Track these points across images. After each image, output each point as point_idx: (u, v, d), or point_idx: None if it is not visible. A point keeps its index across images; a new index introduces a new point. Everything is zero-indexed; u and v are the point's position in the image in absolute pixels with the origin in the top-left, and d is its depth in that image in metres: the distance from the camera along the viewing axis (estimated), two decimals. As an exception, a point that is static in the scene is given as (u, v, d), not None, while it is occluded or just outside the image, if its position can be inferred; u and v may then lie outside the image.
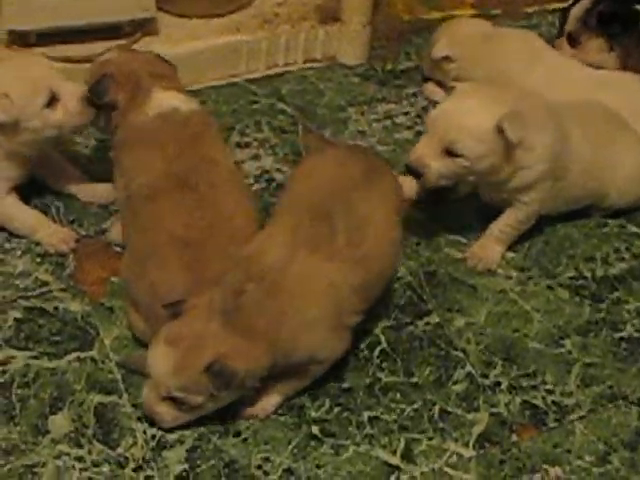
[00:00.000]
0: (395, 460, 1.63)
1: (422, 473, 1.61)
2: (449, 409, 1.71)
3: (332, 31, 2.58)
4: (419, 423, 1.69)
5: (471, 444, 1.66)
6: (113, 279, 1.89)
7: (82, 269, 1.93)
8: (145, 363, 1.58)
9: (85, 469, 1.57)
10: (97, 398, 1.68)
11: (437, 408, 1.71)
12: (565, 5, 2.53)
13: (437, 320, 1.88)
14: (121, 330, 1.79)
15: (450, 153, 1.83)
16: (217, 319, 1.52)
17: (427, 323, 1.87)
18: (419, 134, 1.92)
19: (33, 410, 1.66)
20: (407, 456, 1.63)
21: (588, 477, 1.63)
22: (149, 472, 1.58)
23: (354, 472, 1.60)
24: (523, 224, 2.01)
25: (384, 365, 1.78)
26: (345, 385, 1.74)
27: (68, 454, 1.59)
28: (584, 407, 1.74)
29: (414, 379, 1.76)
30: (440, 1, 2.87)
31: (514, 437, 1.68)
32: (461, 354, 1.82)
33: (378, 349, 1.81)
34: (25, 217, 1.98)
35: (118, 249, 1.94)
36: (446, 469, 1.62)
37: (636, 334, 1.89)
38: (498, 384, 1.77)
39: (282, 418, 1.67)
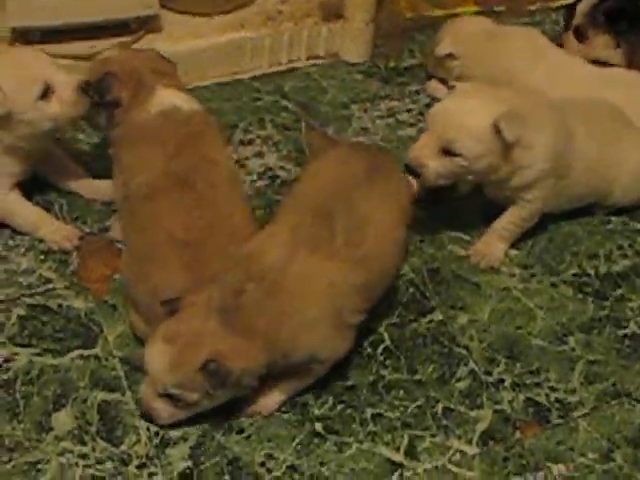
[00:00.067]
0: (398, 457, 1.63)
1: (425, 470, 1.61)
2: (452, 406, 1.71)
3: (335, 28, 2.58)
4: (422, 420, 1.69)
5: (474, 441, 1.66)
6: (116, 276, 1.89)
7: (85, 266, 1.93)
8: None
9: (89, 466, 1.58)
10: (100, 395, 1.68)
11: (440, 405, 1.71)
12: (572, 1, 2.53)
13: (440, 317, 1.88)
14: (124, 327, 1.79)
15: (448, 152, 1.83)
16: (215, 317, 1.52)
17: (430, 320, 1.87)
18: (422, 131, 1.92)
19: (37, 407, 1.66)
20: (410, 453, 1.63)
21: (591, 474, 1.63)
22: (153, 469, 1.58)
23: (357, 469, 1.60)
24: (526, 222, 2.01)
25: (387, 362, 1.78)
26: (348, 382, 1.74)
27: (71, 451, 1.60)
28: (587, 404, 1.74)
29: (417, 376, 1.76)
30: (443, -2, 2.88)
31: (517, 434, 1.68)
32: (464, 351, 1.82)
33: (381, 346, 1.81)
34: (29, 214, 1.98)
35: (121, 246, 1.93)
36: (449, 466, 1.62)
37: (639, 331, 1.89)
38: (501, 381, 1.77)
39: (285, 415, 1.67)
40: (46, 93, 1.86)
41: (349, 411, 1.69)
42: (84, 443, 1.61)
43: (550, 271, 2.01)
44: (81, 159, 2.14)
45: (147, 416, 1.62)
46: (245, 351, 1.52)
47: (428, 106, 2.42)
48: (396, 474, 1.60)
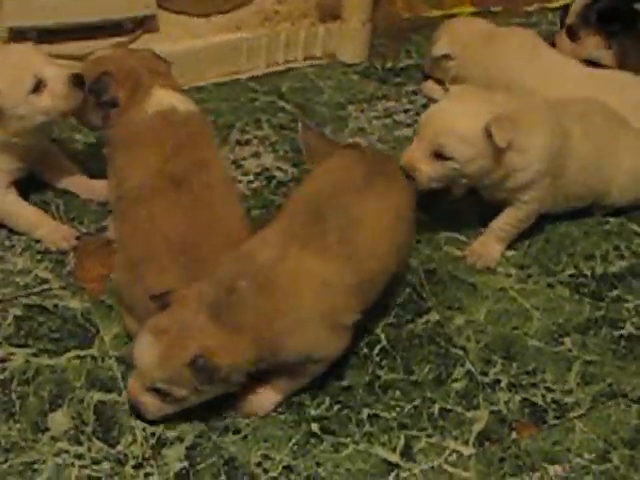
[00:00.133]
0: (394, 458, 1.63)
1: (421, 471, 1.61)
2: (449, 407, 1.72)
3: (332, 29, 2.58)
4: (419, 421, 1.69)
5: (471, 442, 1.66)
6: (113, 276, 1.88)
7: (82, 266, 1.93)
8: None
9: (85, 466, 1.57)
10: (97, 395, 1.68)
11: (437, 406, 1.72)
12: (568, 1, 2.53)
13: (437, 318, 1.88)
14: (121, 328, 1.78)
15: (440, 156, 1.83)
16: (205, 312, 1.52)
17: (427, 321, 1.88)
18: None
19: (33, 407, 1.66)
20: (406, 454, 1.63)
21: (588, 475, 1.63)
22: (149, 469, 1.58)
23: (354, 470, 1.60)
24: (523, 222, 2.01)
25: (384, 363, 1.79)
26: (345, 383, 1.74)
27: (68, 451, 1.59)
28: (584, 405, 1.74)
29: (414, 377, 1.76)
30: (440, -1, 2.88)
31: (514, 435, 1.68)
32: (461, 352, 1.82)
33: (378, 347, 1.81)
34: (26, 214, 1.98)
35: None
36: (446, 467, 1.62)
37: (636, 332, 1.89)
38: (498, 382, 1.77)
39: (282, 416, 1.67)
40: (38, 87, 1.85)
41: (345, 411, 1.69)
42: (80, 443, 1.61)
43: (546, 272, 2.01)
44: (77, 159, 2.14)
45: (135, 410, 1.61)
46: (234, 347, 1.51)
47: (425, 107, 2.42)
48: (392, 475, 1.60)
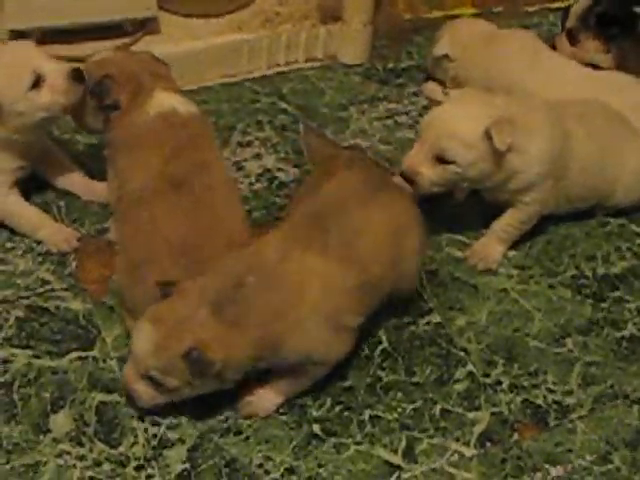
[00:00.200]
0: (396, 459, 1.63)
1: (423, 472, 1.61)
2: (450, 408, 1.72)
3: (333, 30, 2.58)
4: (420, 422, 1.69)
5: (472, 443, 1.66)
6: (114, 278, 1.89)
7: (83, 268, 1.93)
8: None
9: (86, 468, 1.58)
10: (98, 397, 1.69)
11: (438, 407, 1.72)
12: (569, 3, 2.53)
13: (438, 319, 1.88)
14: (122, 329, 1.79)
15: (441, 160, 1.83)
16: (207, 306, 1.52)
17: (428, 322, 1.88)
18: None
19: (34, 409, 1.66)
20: (408, 455, 1.63)
21: (589, 476, 1.63)
22: (150, 471, 1.58)
23: (355, 471, 1.60)
24: (525, 224, 2.01)
25: (385, 364, 1.79)
26: (346, 384, 1.74)
27: (69, 453, 1.60)
28: (585, 406, 1.74)
29: (415, 378, 1.76)
30: (442, 0, 2.87)
31: (515, 436, 1.68)
32: (462, 353, 1.82)
33: (379, 348, 1.81)
34: (28, 215, 1.98)
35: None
36: (447, 468, 1.62)
37: (637, 333, 1.89)
38: (499, 383, 1.77)
39: (283, 417, 1.67)
40: (37, 83, 1.85)
41: (347, 413, 1.69)
42: (82, 445, 1.61)
43: (548, 273, 2.01)
44: (79, 160, 2.14)
45: (128, 397, 1.62)
46: (231, 344, 1.51)
47: (426, 108, 2.43)
48: (394, 476, 1.60)
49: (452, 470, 1.62)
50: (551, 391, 1.76)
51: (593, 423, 1.71)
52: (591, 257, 2.06)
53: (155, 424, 1.64)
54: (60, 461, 1.58)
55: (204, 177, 1.76)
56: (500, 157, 1.85)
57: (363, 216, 1.66)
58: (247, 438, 1.64)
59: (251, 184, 2.17)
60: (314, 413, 1.68)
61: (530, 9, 2.91)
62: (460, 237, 2.07)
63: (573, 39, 2.41)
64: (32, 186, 2.05)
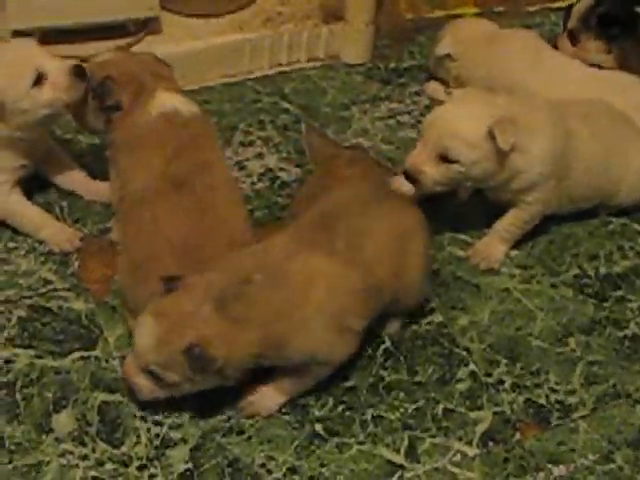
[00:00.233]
0: (399, 458, 1.63)
1: (425, 472, 1.61)
2: (453, 407, 1.72)
3: (335, 30, 2.58)
4: (423, 421, 1.69)
5: (475, 442, 1.66)
6: (117, 278, 1.89)
7: (86, 268, 1.93)
8: None
9: (89, 468, 1.58)
10: (101, 397, 1.69)
11: (441, 406, 1.72)
12: (569, 3, 2.53)
13: (441, 319, 1.88)
14: (125, 329, 1.79)
15: (445, 159, 1.83)
16: (211, 303, 1.52)
17: (430, 322, 1.88)
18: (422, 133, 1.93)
19: (37, 409, 1.66)
20: (411, 454, 1.63)
21: (592, 475, 1.63)
22: (153, 470, 1.58)
23: (357, 470, 1.60)
24: (527, 224, 2.01)
25: (388, 364, 1.79)
26: (349, 384, 1.74)
27: (72, 453, 1.60)
28: (588, 405, 1.74)
29: (418, 378, 1.76)
30: (443, -1, 2.88)
31: (518, 435, 1.68)
32: (465, 353, 1.82)
33: (382, 348, 1.81)
34: (30, 214, 1.98)
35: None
36: (450, 467, 1.62)
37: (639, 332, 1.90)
38: (502, 382, 1.77)
39: (286, 416, 1.67)
40: (39, 80, 1.86)
41: (349, 412, 1.69)
42: (84, 444, 1.61)
43: (550, 272, 2.01)
44: (81, 160, 2.14)
45: (129, 389, 1.62)
46: (234, 341, 1.51)
47: (428, 107, 2.43)
48: (396, 475, 1.60)
49: (454, 469, 1.62)
50: (553, 390, 1.76)
51: (595, 422, 1.71)
52: (593, 256, 2.06)
53: (157, 424, 1.64)
54: (63, 461, 1.58)
55: (206, 177, 1.76)
56: (503, 157, 1.85)
57: (370, 220, 1.67)
58: (249, 438, 1.64)
59: (253, 184, 2.17)
60: (316, 413, 1.68)
61: (532, 9, 2.91)
62: (462, 236, 2.07)
63: (574, 39, 2.41)
64: (34, 186, 2.05)
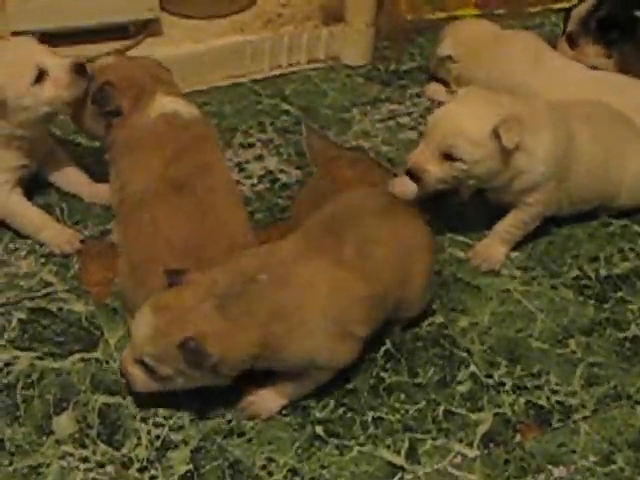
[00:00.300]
0: (399, 460, 1.63)
1: (426, 473, 1.61)
2: (453, 409, 1.71)
3: (336, 31, 2.58)
4: (423, 423, 1.69)
5: (475, 444, 1.66)
6: (117, 280, 1.89)
7: (86, 270, 1.93)
8: None
9: (89, 469, 1.58)
10: (101, 399, 1.69)
11: (441, 408, 1.71)
12: (570, 5, 2.53)
13: (441, 320, 1.88)
14: (125, 330, 1.79)
15: (448, 157, 1.84)
16: (212, 301, 1.52)
17: (431, 323, 1.87)
18: (422, 135, 1.93)
19: (37, 411, 1.66)
20: (411, 456, 1.63)
21: (592, 477, 1.62)
22: (153, 472, 1.58)
23: (358, 472, 1.60)
24: (528, 225, 2.01)
25: (388, 365, 1.78)
26: (349, 385, 1.74)
27: (72, 455, 1.60)
28: (588, 407, 1.74)
29: (418, 379, 1.76)
30: (444, 1, 2.87)
31: (518, 437, 1.68)
32: (465, 354, 1.82)
33: (382, 349, 1.81)
34: (30, 215, 1.98)
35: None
36: (450, 469, 1.62)
37: (640, 334, 1.89)
38: (502, 384, 1.77)
39: (286, 418, 1.67)
40: (40, 77, 1.86)
41: (350, 414, 1.69)
42: (85, 446, 1.61)
43: (550, 274, 2.01)
44: (82, 162, 2.14)
45: (125, 379, 1.62)
46: (231, 340, 1.51)
47: (428, 109, 2.43)
48: (397, 477, 1.60)
49: (455, 471, 1.61)
50: (554, 392, 1.76)
51: (596, 424, 1.71)
52: (594, 258, 2.06)
53: (158, 426, 1.64)
54: (63, 463, 1.58)
55: (206, 179, 1.76)
56: (507, 156, 1.85)
57: (379, 228, 1.67)
58: (250, 440, 1.63)
59: (253, 185, 2.17)
60: (317, 414, 1.68)
61: (532, 10, 2.91)
62: (463, 238, 2.07)
63: (573, 43, 2.41)
64: (35, 187, 2.05)
